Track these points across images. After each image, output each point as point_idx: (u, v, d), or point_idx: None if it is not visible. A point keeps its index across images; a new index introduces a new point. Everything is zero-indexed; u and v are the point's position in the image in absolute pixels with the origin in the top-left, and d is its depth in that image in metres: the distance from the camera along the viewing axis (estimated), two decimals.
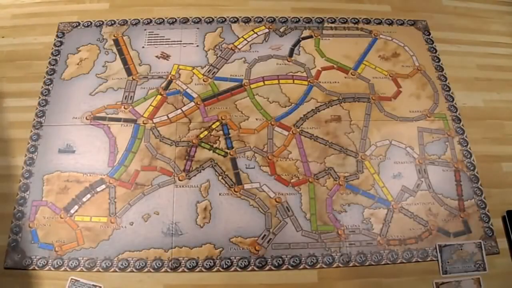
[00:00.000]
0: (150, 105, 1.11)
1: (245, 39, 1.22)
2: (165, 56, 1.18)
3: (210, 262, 0.93)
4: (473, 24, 1.31)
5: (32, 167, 1.02)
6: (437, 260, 0.94)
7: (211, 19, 1.25)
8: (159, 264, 0.92)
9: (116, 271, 0.91)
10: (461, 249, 0.95)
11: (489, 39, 1.28)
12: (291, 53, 1.20)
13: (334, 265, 0.94)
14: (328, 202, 1.01)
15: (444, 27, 1.29)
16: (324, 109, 1.12)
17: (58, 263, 0.92)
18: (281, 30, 1.24)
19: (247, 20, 1.25)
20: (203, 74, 1.16)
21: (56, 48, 1.18)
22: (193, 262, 0.93)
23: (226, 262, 0.93)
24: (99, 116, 1.09)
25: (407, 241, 0.97)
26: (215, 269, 0.93)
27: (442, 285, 0.92)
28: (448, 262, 0.94)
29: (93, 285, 0.90)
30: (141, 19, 1.24)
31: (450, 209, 1.02)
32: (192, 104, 1.11)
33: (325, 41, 1.23)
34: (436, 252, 0.95)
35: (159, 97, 1.12)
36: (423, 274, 0.94)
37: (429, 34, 1.27)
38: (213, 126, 1.08)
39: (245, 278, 0.93)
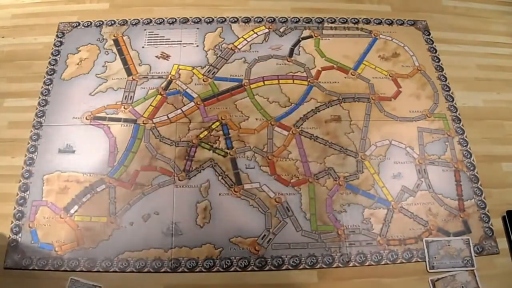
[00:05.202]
0: (150, 105, 1.11)
1: (245, 39, 1.22)
2: (165, 56, 1.18)
3: (210, 262, 0.93)
4: (473, 24, 1.31)
5: (32, 167, 1.02)
6: (424, 256, 0.94)
7: (211, 19, 1.25)
8: (159, 264, 0.92)
9: (116, 271, 0.91)
10: (449, 245, 0.95)
11: (489, 39, 1.28)
12: (291, 53, 1.20)
13: (334, 265, 0.94)
14: (328, 202, 1.01)
15: (444, 27, 1.29)
16: (324, 109, 1.12)
17: (58, 263, 0.92)
18: (281, 30, 1.24)
19: (247, 20, 1.25)
20: (203, 74, 1.16)
21: (56, 48, 1.18)
22: (193, 262, 0.93)
23: (226, 262, 0.93)
24: (99, 116, 1.09)
25: (407, 241, 0.97)
26: (215, 269, 0.93)
27: (437, 281, 0.92)
28: (435, 257, 0.94)
29: (93, 285, 0.90)
30: (141, 19, 1.24)
31: (450, 209, 1.01)
32: (192, 104, 1.11)
33: (325, 41, 1.23)
34: (423, 247, 0.95)
35: (159, 97, 1.12)
36: (423, 274, 0.94)
37: (429, 34, 1.27)
38: (213, 126, 1.08)
39: (245, 278, 0.92)
